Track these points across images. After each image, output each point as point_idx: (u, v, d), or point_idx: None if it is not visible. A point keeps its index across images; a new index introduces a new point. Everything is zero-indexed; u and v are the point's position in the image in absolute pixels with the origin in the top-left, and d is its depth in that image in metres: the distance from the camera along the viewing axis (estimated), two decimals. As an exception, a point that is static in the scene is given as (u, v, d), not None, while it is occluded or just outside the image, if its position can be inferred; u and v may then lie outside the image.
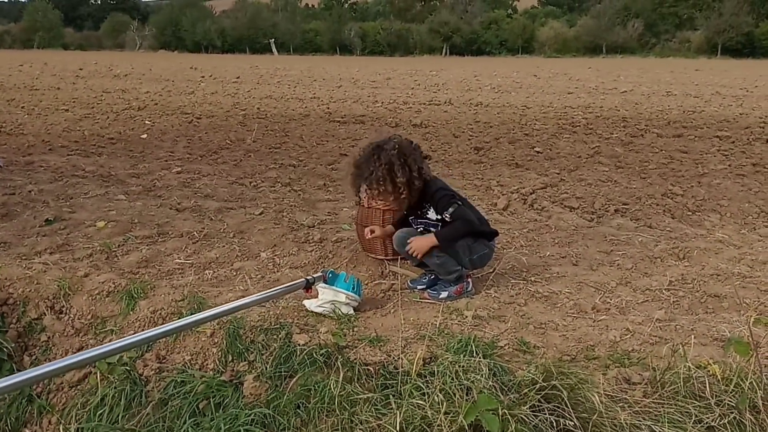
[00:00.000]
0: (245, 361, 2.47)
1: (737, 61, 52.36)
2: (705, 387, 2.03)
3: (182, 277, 3.21)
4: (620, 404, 2.01)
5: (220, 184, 5.27)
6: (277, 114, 10.37)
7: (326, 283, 2.77)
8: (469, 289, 2.99)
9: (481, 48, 75.74)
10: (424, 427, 1.93)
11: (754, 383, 2.00)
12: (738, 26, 64.50)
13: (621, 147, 7.38)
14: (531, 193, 4.87)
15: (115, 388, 2.56)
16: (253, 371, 2.41)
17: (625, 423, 1.91)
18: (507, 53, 73.95)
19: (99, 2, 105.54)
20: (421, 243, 2.87)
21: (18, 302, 3.04)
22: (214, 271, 3.28)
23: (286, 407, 2.21)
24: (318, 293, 2.76)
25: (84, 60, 29.60)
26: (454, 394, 2.00)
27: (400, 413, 1.96)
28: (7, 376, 2.82)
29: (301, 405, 2.20)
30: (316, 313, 2.72)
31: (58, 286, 3.03)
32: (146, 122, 8.98)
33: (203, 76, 19.62)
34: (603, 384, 2.13)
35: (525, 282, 3.16)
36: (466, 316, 2.68)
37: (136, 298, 2.92)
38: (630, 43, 69.55)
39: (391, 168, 2.75)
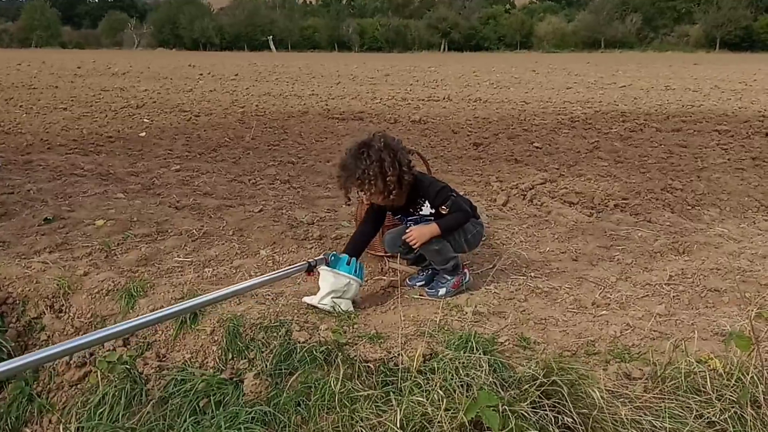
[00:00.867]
0: (245, 358, 2.47)
1: (736, 54, 52.36)
2: (706, 382, 2.02)
3: (182, 275, 3.20)
4: (621, 399, 2.01)
5: (219, 182, 5.25)
6: (275, 111, 10.36)
7: (328, 266, 2.76)
8: (467, 280, 2.99)
9: (480, 43, 75.70)
10: (425, 423, 1.93)
11: (755, 378, 2.00)
12: (736, 20, 64.44)
13: (620, 142, 7.37)
14: (530, 189, 4.86)
15: (115, 386, 2.56)
16: (253, 369, 2.40)
17: (626, 418, 1.91)
18: (505, 49, 73.91)
19: (97, 1, 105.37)
20: (422, 231, 2.85)
21: (17, 301, 3.03)
22: (214, 269, 3.28)
23: (287, 405, 2.21)
24: (320, 277, 2.76)
25: (82, 58, 29.54)
26: (455, 391, 2.00)
27: (400, 410, 1.96)
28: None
29: (301, 402, 2.20)
30: (316, 309, 2.72)
31: (58, 285, 3.03)
32: (145, 120, 8.96)
33: (201, 74, 19.59)
34: (603, 379, 2.13)
35: (525, 278, 3.16)
36: (466, 312, 2.68)
37: (135, 296, 2.92)
38: (628, 37, 69.50)
39: (382, 164, 2.68)
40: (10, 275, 3.11)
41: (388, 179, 2.69)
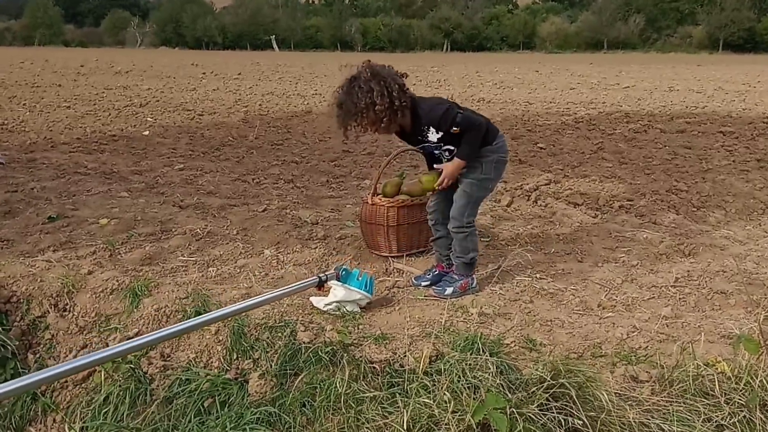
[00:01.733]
0: (250, 359, 2.46)
1: (739, 56, 52.22)
2: (714, 385, 2.01)
3: (186, 274, 3.20)
4: (628, 402, 2.00)
5: (222, 181, 5.25)
6: (279, 110, 10.36)
7: (339, 281, 2.75)
8: (474, 285, 2.98)
9: (482, 44, 75.55)
10: (432, 425, 1.92)
11: (764, 381, 1.99)
12: (740, 21, 64.22)
13: (624, 143, 7.36)
14: (535, 190, 4.84)
15: (119, 386, 2.56)
16: (258, 369, 2.40)
17: (634, 421, 1.90)
18: (508, 49, 73.78)
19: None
20: (450, 170, 2.85)
21: (21, 300, 3.03)
22: (218, 269, 3.27)
23: (292, 405, 2.20)
24: (330, 291, 2.74)
25: (85, 57, 29.53)
26: (461, 393, 1.99)
27: (407, 412, 1.95)
28: (11, 373, 2.85)
29: (306, 403, 2.19)
30: (321, 310, 2.71)
31: (62, 283, 3.02)
32: (148, 119, 8.96)
33: (204, 73, 19.59)
34: (611, 382, 2.12)
35: (530, 279, 3.15)
36: (472, 313, 2.67)
37: (140, 295, 2.91)
38: (631, 38, 69.35)
39: (371, 94, 2.64)
40: (15, 274, 3.11)
41: (377, 108, 2.64)
